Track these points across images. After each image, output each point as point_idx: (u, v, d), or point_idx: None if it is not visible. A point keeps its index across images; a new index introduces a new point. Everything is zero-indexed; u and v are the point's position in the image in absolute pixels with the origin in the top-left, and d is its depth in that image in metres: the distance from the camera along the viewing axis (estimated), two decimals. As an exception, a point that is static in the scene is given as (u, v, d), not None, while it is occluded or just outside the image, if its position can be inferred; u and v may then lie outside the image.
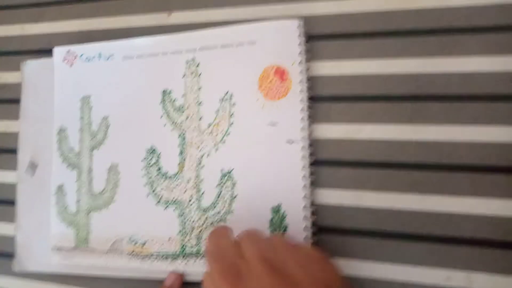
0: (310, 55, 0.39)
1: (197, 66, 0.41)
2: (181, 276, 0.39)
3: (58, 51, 0.45)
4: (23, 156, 0.46)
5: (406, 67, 0.37)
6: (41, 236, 0.44)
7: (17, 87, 0.48)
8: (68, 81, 0.45)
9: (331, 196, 0.37)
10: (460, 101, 0.35)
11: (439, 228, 0.35)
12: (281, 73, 0.38)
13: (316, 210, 0.37)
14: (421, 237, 0.35)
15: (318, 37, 0.39)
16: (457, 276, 0.34)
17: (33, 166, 0.46)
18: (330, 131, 0.38)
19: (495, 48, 0.35)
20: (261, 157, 0.38)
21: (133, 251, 0.40)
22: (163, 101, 0.41)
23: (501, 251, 0.33)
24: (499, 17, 0.35)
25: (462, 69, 0.36)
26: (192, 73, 0.41)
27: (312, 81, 0.39)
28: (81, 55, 0.44)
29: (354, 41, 0.38)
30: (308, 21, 0.39)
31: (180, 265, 0.39)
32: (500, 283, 0.33)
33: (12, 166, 0.47)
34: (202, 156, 0.39)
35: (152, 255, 0.40)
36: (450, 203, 0.35)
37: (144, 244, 0.40)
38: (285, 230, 0.36)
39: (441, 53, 0.36)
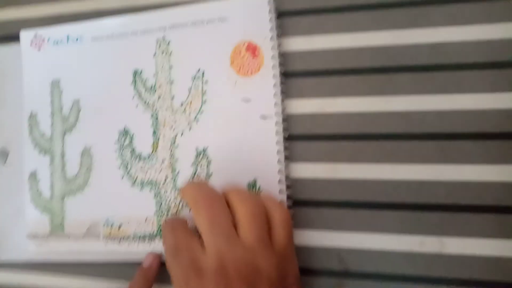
0: (282, 31, 0.39)
1: (168, 44, 0.40)
2: (159, 256, 0.39)
3: (25, 35, 0.44)
4: (-7, 144, 0.45)
5: (377, 40, 0.37)
6: (16, 224, 0.43)
7: (-17, 73, 0.46)
8: (36, 65, 0.44)
9: (305, 170, 0.38)
10: (428, 71, 0.36)
11: (411, 196, 0.35)
12: (252, 49, 0.38)
13: (291, 184, 0.37)
14: (394, 205, 0.36)
15: (289, 12, 0.39)
16: (430, 241, 0.35)
17: (4, 154, 0.45)
18: (304, 106, 0.38)
19: (460, 18, 0.36)
20: (236, 133, 0.38)
21: (109, 234, 0.40)
22: (134, 81, 0.41)
23: (471, 214, 0.34)
24: (464, -13, 0.36)
25: (430, 40, 0.36)
26: (163, 52, 0.40)
27: (284, 56, 0.39)
28: (49, 38, 0.43)
29: (324, 16, 0.38)
30: (278, -3, 0.39)
31: (157, 245, 0.39)
32: (471, 246, 0.34)
33: (-18, 155, 0.46)
34: (176, 136, 0.39)
35: (129, 236, 0.39)
36: (420, 171, 0.35)
37: (120, 226, 0.40)
38: (261, 205, 0.36)
39: (410, 25, 0.37)
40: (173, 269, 0.31)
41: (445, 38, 0.36)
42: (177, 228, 0.33)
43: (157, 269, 0.38)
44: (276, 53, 0.38)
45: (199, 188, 0.34)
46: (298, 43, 0.39)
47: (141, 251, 0.39)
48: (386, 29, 0.37)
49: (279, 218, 0.32)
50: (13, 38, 0.46)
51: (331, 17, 0.38)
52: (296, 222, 0.37)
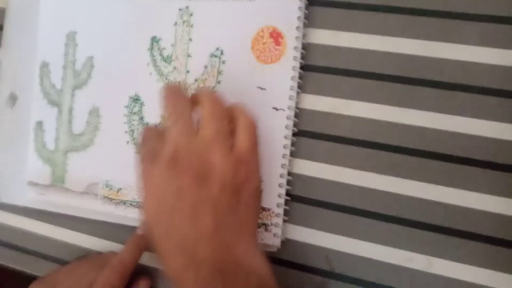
0: (309, 20, 0.37)
1: (190, 15, 0.39)
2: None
3: (46, -21, 0.43)
4: (4, 87, 0.45)
5: (404, 48, 0.36)
6: (18, 170, 0.44)
7: (0, 12, 0.45)
8: (54, 13, 0.43)
9: (309, 168, 0.37)
10: (451, 90, 0.35)
11: (409, 212, 0.35)
12: (276, 36, 0.37)
13: (292, 179, 0.37)
14: (390, 218, 0.36)
15: (320, 2, 0.37)
16: (418, 258, 0.35)
17: (13, 98, 0.44)
18: (318, 103, 0.37)
19: (494, 39, 0.34)
20: (245, 120, 0.37)
21: (107, 196, 0.40)
22: (151, 48, 0.40)
23: (465, 240, 0.34)
24: (503, 8, 0.34)
25: (459, 57, 0.35)
26: (184, 22, 0.39)
27: (307, 48, 0.37)
28: (70, -15, 0.42)
29: (356, 12, 0.37)
30: (312, -17, 0.37)
31: (152, 216, 0.39)
32: (459, 270, 0.34)
33: (-8, 95, 0.46)
34: (185, 111, 0.39)
35: (126, 201, 0.40)
36: (423, 189, 0.35)
37: (119, 190, 0.40)
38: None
39: (441, 37, 0.35)
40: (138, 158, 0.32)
41: (474, 58, 0.34)
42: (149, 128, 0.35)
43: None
44: (299, 44, 0.36)
45: (169, 87, 0.33)
46: (324, 37, 0.37)
47: (136, 217, 0.40)
48: (416, 37, 0.35)
49: (243, 121, 0.32)
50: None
51: (362, 14, 0.37)
52: (291, 217, 0.37)
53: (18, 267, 0.45)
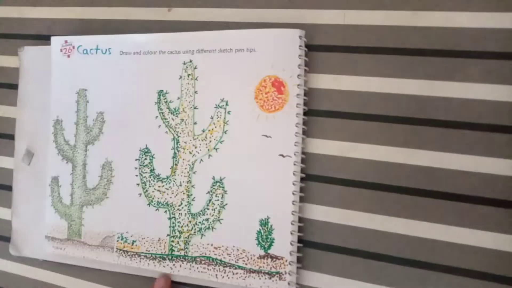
0: (310, 67, 0.38)
1: (194, 68, 0.40)
2: (170, 280, 0.40)
3: (56, 41, 0.44)
4: (20, 144, 0.46)
5: (407, 88, 0.36)
6: (36, 224, 0.45)
7: (14, 71, 0.47)
8: (65, 72, 0.44)
9: (319, 213, 0.37)
10: (458, 128, 0.35)
11: (422, 254, 0.35)
12: (278, 85, 0.37)
13: (304, 225, 0.37)
14: (404, 261, 0.35)
15: (320, 47, 0.38)
16: (436, 301, 0.35)
17: (29, 155, 0.46)
18: (324, 147, 0.37)
19: (498, 76, 0.34)
20: (253, 168, 0.38)
21: (122, 248, 0.41)
22: (158, 101, 0.41)
23: (482, 282, 0.34)
24: (506, 43, 0.34)
25: (463, 95, 0.35)
26: (189, 75, 0.40)
27: (309, 93, 0.38)
28: (79, 46, 0.44)
29: (356, 56, 0.37)
30: (310, 30, 0.38)
31: (167, 267, 0.40)
32: (477, 313, 0.34)
33: (10, 152, 0.47)
34: (194, 162, 0.39)
35: (140, 254, 0.41)
36: (435, 231, 0.35)
37: (133, 242, 0.41)
38: (271, 243, 0.37)
39: (444, 76, 0.35)
40: None
41: (479, 95, 0.34)
42: None
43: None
44: (302, 91, 0.37)
45: None
46: (325, 81, 0.38)
47: (151, 269, 0.40)
48: (419, 77, 0.36)
49: None
50: (42, 37, 0.46)
51: (362, 57, 0.37)
52: (304, 264, 0.37)
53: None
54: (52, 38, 0.44)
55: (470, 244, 0.34)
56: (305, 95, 0.37)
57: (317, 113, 0.38)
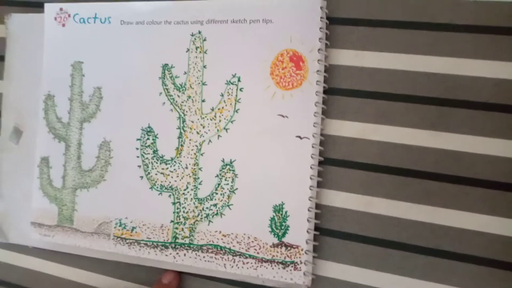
0: (331, 41, 0.35)
1: (204, 40, 0.36)
2: (179, 275, 0.37)
3: (50, 8, 0.40)
4: (7, 121, 0.42)
5: (435, 66, 0.33)
6: (24, 208, 0.41)
7: (0, 42, 0.43)
8: (59, 42, 0.40)
9: (337, 199, 0.35)
10: (489, 110, 0.32)
11: (448, 243, 0.33)
12: (297, 60, 0.34)
13: (321, 212, 0.35)
14: (427, 250, 0.33)
15: (342, 20, 0.35)
16: (461, 294, 0.33)
17: (17, 133, 0.42)
18: (344, 128, 0.35)
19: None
20: (267, 150, 0.35)
21: (120, 236, 0.38)
22: (163, 76, 0.37)
23: (509, 272, 0.32)
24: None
25: (495, 75, 0.32)
26: (197, 48, 0.37)
27: (330, 70, 0.35)
28: (75, 14, 0.40)
29: (381, 30, 0.34)
30: (332, 0, 0.35)
31: (169, 256, 0.37)
32: (505, 306, 0.32)
33: (-5, 130, 0.43)
34: (202, 143, 0.36)
35: (140, 242, 0.37)
36: (462, 219, 0.33)
37: (133, 229, 0.38)
38: (286, 230, 0.34)
39: (475, 54, 0.33)
40: None
41: (513, 76, 0.32)
42: None
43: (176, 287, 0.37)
44: (322, 67, 0.34)
45: None
46: (347, 58, 0.35)
47: (152, 258, 0.37)
48: (448, 55, 0.33)
49: None
50: (33, 4, 0.42)
51: (388, 32, 0.34)
52: (321, 253, 0.35)
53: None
54: (46, 5, 0.40)
55: (500, 234, 0.32)
56: (325, 71, 0.35)
57: (337, 92, 0.35)
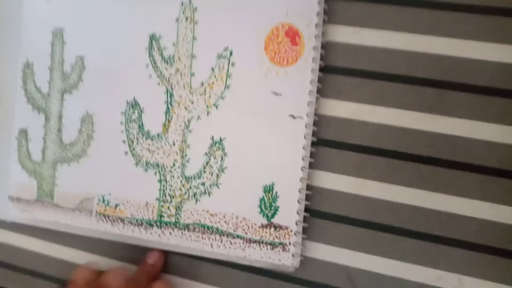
0: (329, 16, 0.33)
1: (194, 10, 0.34)
2: (163, 255, 0.36)
3: (27, -31, 0.37)
4: (-19, 89, 0.40)
5: (436, 47, 0.32)
6: (2, 183, 0.39)
7: (-26, 3, 0.40)
8: (39, 7, 0.38)
9: (329, 180, 0.34)
10: (488, 95, 0.32)
11: (438, 227, 0.32)
12: (293, 35, 0.33)
13: (312, 193, 0.34)
14: (418, 234, 0.33)
15: (340, -6, 0.34)
16: (449, 277, 0.32)
17: (-7, 102, 0.40)
18: (339, 108, 0.34)
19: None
20: (259, 129, 0.33)
21: (103, 212, 0.37)
22: (150, 47, 0.35)
23: (498, 258, 0.32)
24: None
25: (498, 58, 0.31)
26: (187, 18, 0.34)
27: (326, 47, 0.34)
28: (55, -24, 0.37)
29: (381, 7, 0.33)
30: (331, -26, 0.33)
31: (154, 234, 0.36)
32: (491, 291, 0.32)
33: (-32, 98, 0.41)
34: (190, 119, 0.35)
35: (124, 219, 0.36)
36: (455, 204, 0.32)
37: (116, 206, 0.36)
38: (276, 211, 0.33)
39: (477, 36, 0.32)
40: None
41: (515, 59, 0.31)
42: None
43: (161, 267, 0.36)
44: (319, 43, 0.33)
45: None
46: (345, 34, 0.34)
47: (136, 236, 0.36)
48: (449, 36, 0.32)
49: None
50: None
51: (389, 9, 0.33)
52: (310, 234, 0.34)
53: (7, 286, 0.41)
54: (22, -36, 0.37)
55: (492, 220, 0.32)
56: (322, 48, 0.33)
57: (333, 70, 0.34)
